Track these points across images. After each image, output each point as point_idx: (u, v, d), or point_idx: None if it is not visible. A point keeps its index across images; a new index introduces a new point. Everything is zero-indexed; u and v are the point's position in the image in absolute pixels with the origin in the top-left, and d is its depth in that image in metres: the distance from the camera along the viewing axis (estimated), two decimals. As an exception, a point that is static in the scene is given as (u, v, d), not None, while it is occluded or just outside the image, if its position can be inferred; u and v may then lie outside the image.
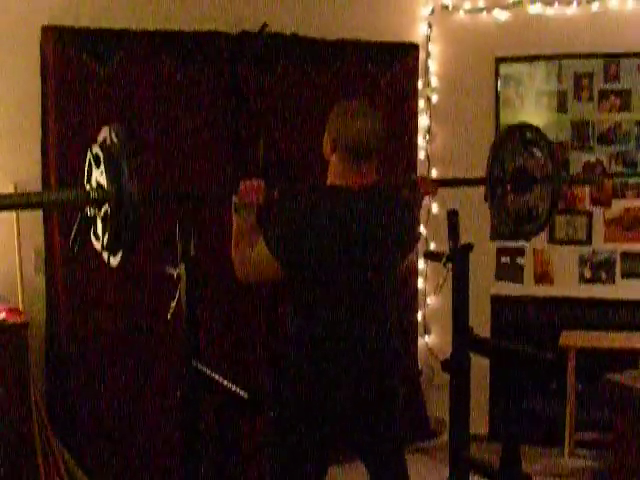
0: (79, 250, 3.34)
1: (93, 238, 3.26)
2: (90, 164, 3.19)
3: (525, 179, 4.33)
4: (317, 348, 3.40)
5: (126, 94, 5.58)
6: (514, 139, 4.43)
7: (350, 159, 3.39)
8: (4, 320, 5.11)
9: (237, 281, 3.59)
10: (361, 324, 3.43)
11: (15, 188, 5.38)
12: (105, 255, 3.24)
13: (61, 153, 5.44)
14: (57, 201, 3.23)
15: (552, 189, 4.27)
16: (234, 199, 3.52)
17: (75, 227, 3.28)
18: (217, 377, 3.72)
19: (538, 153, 4.37)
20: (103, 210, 3.11)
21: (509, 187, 4.41)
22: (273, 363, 5.99)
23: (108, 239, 3.11)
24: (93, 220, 3.21)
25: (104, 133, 3.15)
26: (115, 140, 3.07)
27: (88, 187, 3.17)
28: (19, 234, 5.40)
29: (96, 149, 3.13)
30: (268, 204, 3.56)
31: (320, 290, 3.39)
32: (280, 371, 3.51)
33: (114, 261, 3.21)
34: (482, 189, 6.40)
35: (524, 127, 4.53)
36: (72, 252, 3.37)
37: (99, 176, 3.10)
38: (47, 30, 5.45)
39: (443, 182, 4.17)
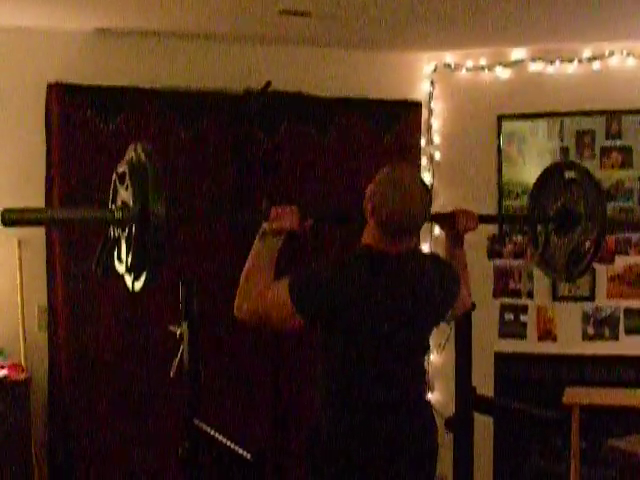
0: (103, 273, 3.21)
1: (116, 262, 3.15)
2: (115, 185, 3.11)
3: (569, 218, 4.06)
4: (352, 411, 3.21)
5: (130, 151, 5.61)
6: (555, 179, 4.21)
7: (387, 232, 3.20)
8: (7, 377, 5.11)
9: (236, 317, 3.24)
10: (395, 388, 3.27)
11: (19, 244, 5.41)
12: (128, 279, 3.11)
13: (65, 210, 5.47)
14: (82, 219, 3.12)
15: (598, 227, 3.99)
16: (263, 225, 3.29)
17: (99, 248, 3.17)
18: (219, 437, 3.69)
19: (580, 191, 4.10)
20: (127, 231, 3.02)
21: (552, 227, 4.15)
22: (275, 421, 5.97)
23: (132, 260, 2.99)
24: (117, 242, 3.11)
25: (131, 152, 3.07)
26: (142, 157, 2.99)
27: (113, 207, 3.08)
28: (22, 290, 5.40)
29: (122, 167, 3.05)
30: (300, 233, 3.32)
31: (351, 354, 3.21)
32: (312, 437, 3.30)
33: (138, 285, 3.07)
34: (484, 247, 6.44)
35: (565, 166, 4.33)
36: (96, 273, 3.23)
37: (124, 195, 3.02)
38: (53, 87, 5.50)
39: (482, 218, 3.87)
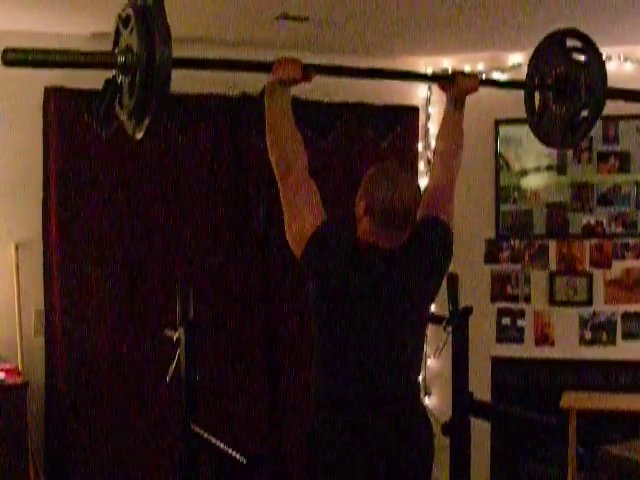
0: (105, 117, 3.14)
1: (118, 108, 3.06)
2: (118, 29, 3.02)
3: (568, 87, 3.91)
4: (345, 410, 3.20)
5: (127, 155, 5.61)
6: (556, 46, 4.03)
7: (383, 227, 3.23)
8: (3, 380, 5.11)
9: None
10: (390, 382, 3.24)
11: (16, 248, 5.40)
12: (130, 127, 3.03)
13: (62, 214, 5.47)
14: (84, 63, 3.02)
15: (596, 97, 3.87)
16: (268, 81, 3.35)
17: (101, 91, 3.09)
18: (215, 441, 3.69)
19: (582, 59, 3.95)
20: (131, 76, 2.93)
21: (551, 95, 4.01)
22: (270, 422, 5.97)
23: (135, 105, 2.92)
24: (119, 89, 3.02)
25: None
26: (149, 0, 2.88)
27: (116, 51, 3.00)
28: (19, 295, 5.40)
29: (127, 10, 2.95)
30: (304, 80, 3.39)
31: (346, 348, 3.21)
32: (309, 435, 3.27)
33: (139, 134, 3.00)
34: (482, 252, 6.44)
35: (567, 33, 4.08)
36: (98, 116, 3.16)
37: (129, 39, 2.93)
38: (50, 91, 5.50)
39: (481, 81, 3.87)
